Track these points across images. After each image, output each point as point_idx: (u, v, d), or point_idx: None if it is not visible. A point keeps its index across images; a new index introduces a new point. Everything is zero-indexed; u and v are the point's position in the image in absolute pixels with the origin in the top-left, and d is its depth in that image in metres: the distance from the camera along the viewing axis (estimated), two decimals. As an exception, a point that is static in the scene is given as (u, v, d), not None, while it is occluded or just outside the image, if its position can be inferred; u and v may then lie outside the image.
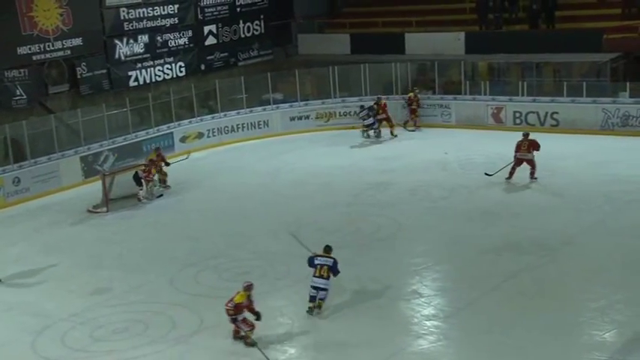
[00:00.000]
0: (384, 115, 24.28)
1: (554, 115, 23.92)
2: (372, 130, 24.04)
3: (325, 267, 12.10)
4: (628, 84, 23.53)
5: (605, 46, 24.88)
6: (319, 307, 12.05)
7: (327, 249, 12.42)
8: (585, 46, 25.00)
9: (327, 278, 12.08)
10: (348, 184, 19.35)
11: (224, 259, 14.69)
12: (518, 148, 18.43)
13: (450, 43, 27.77)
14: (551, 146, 19.81)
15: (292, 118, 25.77)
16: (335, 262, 12.14)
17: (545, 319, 11.17)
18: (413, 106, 24.88)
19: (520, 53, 26.26)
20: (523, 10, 27.61)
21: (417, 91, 25.04)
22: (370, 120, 24.01)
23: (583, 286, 12.37)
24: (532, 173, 18.31)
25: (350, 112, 25.97)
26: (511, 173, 18.39)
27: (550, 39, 26.17)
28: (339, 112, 26.27)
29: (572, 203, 16.55)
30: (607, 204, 16.28)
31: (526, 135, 18.80)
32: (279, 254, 14.65)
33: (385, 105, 24.47)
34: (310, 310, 12.03)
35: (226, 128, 25.03)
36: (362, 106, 24.57)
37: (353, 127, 25.54)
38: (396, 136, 23.98)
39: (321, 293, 12.05)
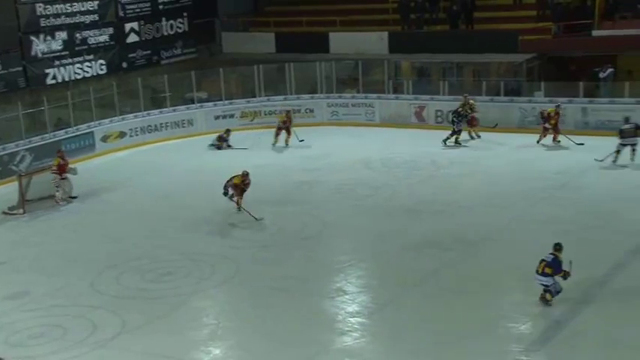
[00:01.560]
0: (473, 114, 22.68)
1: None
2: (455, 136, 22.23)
3: (544, 263, 11.60)
4: (543, 84, 24.31)
5: (521, 47, 25.66)
6: (546, 299, 11.49)
7: (556, 246, 11.80)
8: (502, 46, 25.74)
9: (546, 275, 11.49)
10: (273, 183, 19.34)
11: (147, 260, 14.48)
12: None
13: (374, 42, 28.13)
14: (472, 143, 20.35)
15: (217, 117, 25.58)
16: (555, 260, 11.47)
17: (466, 313, 11.46)
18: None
19: (441, 53, 26.83)
20: (443, 10, 28.21)
21: (467, 96, 23.08)
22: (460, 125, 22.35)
23: (501, 281, 12.72)
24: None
25: (275, 111, 25.96)
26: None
27: (469, 39, 26.83)
28: (264, 112, 26.24)
29: (491, 200, 16.98)
30: (523, 200, 16.77)
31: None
32: (205, 254, 14.55)
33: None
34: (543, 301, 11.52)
35: (149, 127, 24.65)
36: (455, 112, 22.61)
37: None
38: (479, 136, 22.81)
39: (545, 287, 11.53)
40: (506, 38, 25.87)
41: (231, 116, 25.78)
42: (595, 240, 14.13)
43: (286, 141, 22.99)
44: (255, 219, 16.14)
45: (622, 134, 19.18)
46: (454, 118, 22.39)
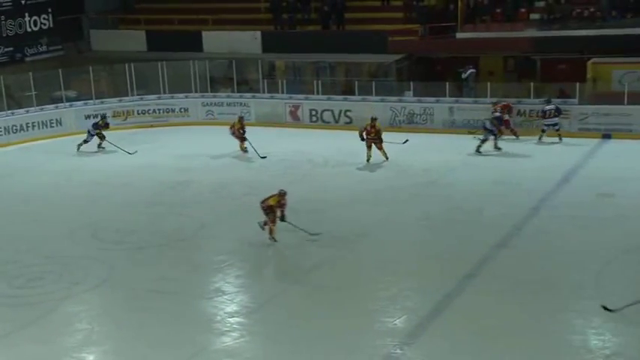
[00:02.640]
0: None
1: (348, 113, 24.99)
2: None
3: None
4: (412, 84, 25.15)
5: (390, 48, 26.43)
6: None
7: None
8: (373, 47, 26.41)
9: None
10: (147, 183, 18.97)
11: (13, 266, 13.81)
12: None
13: (248, 41, 28.14)
14: (346, 143, 20.73)
15: (87, 117, 24.71)
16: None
17: (343, 308, 11.69)
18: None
19: (314, 53, 27.20)
20: (315, 11, 28.61)
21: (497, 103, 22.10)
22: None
23: (376, 276, 13.05)
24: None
25: (149, 110, 25.44)
26: None
27: (341, 40, 27.37)
28: (137, 111, 25.67)
29: (364, 198, 17.39)
30: (395, 197, 17.28)
31: None
32: (76, 258, 14.07)
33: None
34: None
35: (14, 127, 23.54)
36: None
37: (151, 126, 25.07)
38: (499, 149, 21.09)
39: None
40: (375, 39, 26.56)
41: (103, 116, 25.02)
42: (463, 235, 14.75)
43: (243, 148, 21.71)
44: (311, 234, 14.59)
45: (545, 115, 21.04)
46: (490, 123, 20.98)
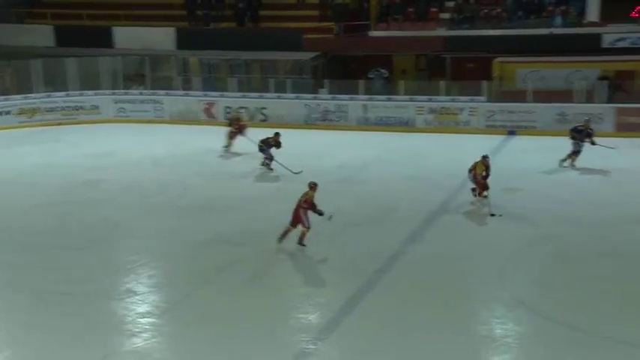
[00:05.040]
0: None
1: (263, 111, 25.01)
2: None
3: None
4: (326, 81, 25.38)
5: (305, 46, 26.59)
6: None
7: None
8: (288, 44, 26.53)
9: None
10: (55, 182, 18.46)
11: None
12: None
13: (161, 38, 27.77)
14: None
15: (-9, 114, 23.93)
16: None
17: (256, 306, 11.69)
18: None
19: (229, 50, 27.08)
20: (229, 7, 28.46)
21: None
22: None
23: (289, 273, 13.12)
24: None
25: (57, 107, 24.74)
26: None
27: (256, 37, 27.35)
28: (44, 108, 24.92)
29: (278, 194, 17.42)
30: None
31: None
32: (-21, 262, 13.56)
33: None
34: None
35: None
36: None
37: (60, 124, 24.41)
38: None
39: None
40: (291, 37, 26.68)
41: (7, 113, 24.21)
42: (375, 230, 14.99)
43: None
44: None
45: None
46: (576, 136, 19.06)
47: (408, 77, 26.52)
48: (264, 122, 24.45)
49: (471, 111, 23.20)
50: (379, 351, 10.14)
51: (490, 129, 22.81)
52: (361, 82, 24.94)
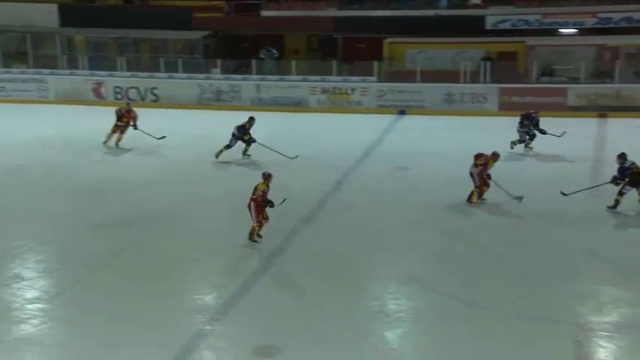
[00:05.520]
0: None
1: (154, 91, 24.54)
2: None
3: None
4: (219, 61, 25.15)
5: (196, 24, 26.24)
6: None
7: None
8: (178, 23, 26.09)
9: None
10: None
11: None
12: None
13: (43, 14, 26.72)
14: (153, 122, 20.25)
15: None
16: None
17: (151, 289, 11.53)
18: None
19: (117, 28, 26.35)
20: (117, -16, 27.72)
21: None
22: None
23: (185, 255, 13.00)
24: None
25: None
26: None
27: (144, 15, 26.80)
28: None
29: (172, 177, 17.24)
30: (202, 177, 17.30)
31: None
32: None
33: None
34: None
35: None
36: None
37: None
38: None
39: None
40: (180, 15, 26.27)
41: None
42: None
43: (118, 140, 19.47)
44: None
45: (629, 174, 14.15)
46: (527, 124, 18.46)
47: (300, 57, 26.63)
48: (156, 103, 23.99)
49: (362, 91, 23.59)
50: (274, 329, 10.25)
51: (381, 109, 23.28)
52: (254, 62, 24.86)
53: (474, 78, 23.41)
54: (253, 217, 12.99)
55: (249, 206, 13.00)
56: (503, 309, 10.66)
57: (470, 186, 14.91)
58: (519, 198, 14.70)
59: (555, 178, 16.30)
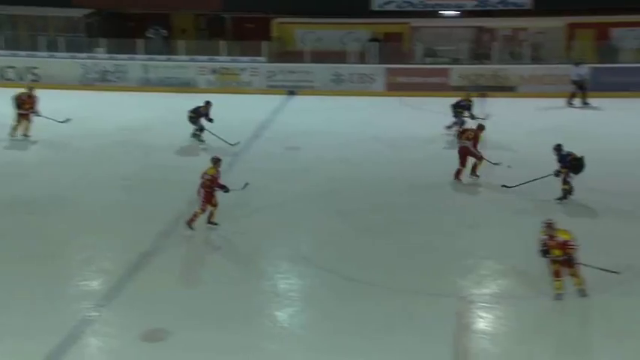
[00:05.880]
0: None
1: (34, 71, 23.60)
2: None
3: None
4: (103, 40, 24.41)
5: (75, 1, 25.32)
6: None
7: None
8: (57, 0, 25.06)
9: None
10: None
11: None
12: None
13: None
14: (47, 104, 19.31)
15: None
16: None
17: (36, 275, 11.13)
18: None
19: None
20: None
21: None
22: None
23: (71, 239, 12.68)
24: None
25: None
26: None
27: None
28: None
29: (58, 159, 16.71)
30: (89, 159, 16.86)
31: None
32: None
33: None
34: None
35: None
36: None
37: None
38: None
39: None
40: (60, -9, 25.28)
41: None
42: (158, 193, 14.84)
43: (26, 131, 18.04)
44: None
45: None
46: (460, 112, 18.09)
47: (187, 37, 26.21)
48: (36, 83, 23.02)
49: (252, 71, 23.52)
50: (163, 313, 10.16)
51: (271, 89, 23.28)
52: (140, 42, 24.28)
53: (362, 59, 23.77)
54: (199, 203, 12.64)
55: (198, 192, 12.67)
56: (391, 285, 10.97)
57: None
58: (497, 164, 14.96)
59: (437, 157, 16.81)
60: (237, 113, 20.71)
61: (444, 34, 24.68)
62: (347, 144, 17.96)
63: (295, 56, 23.96)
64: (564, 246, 10.05)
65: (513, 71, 22.71)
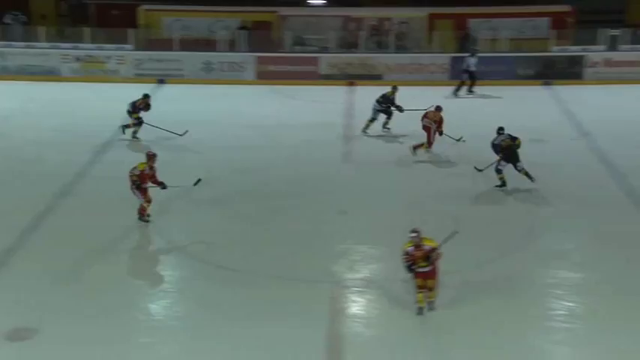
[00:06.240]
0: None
1: None
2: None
3: None
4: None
5: None
6: None
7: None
8: None
9: None
10: None
11: None
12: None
13: None
14: None
15: None
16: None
17: None
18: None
19: None
20: None
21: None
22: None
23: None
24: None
25: None
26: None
27: None
28: None
29: None
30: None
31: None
32: None
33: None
34: None
35: None
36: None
37: None
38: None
39: None
40: None
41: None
42: (23, 186, 14.26)
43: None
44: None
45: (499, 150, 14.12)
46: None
47: (48, 23, 25.12)
48: None
49: (118, 59, 22.87)
50: (28, 311, 9.88)
51: (140, 78, 22.69)
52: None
53: (232, 47, 23.64)
54: (140, 197, 12.34)
55: (132, 190, 12.29)
56: (265, 272, 11.08)
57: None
58: (461, 139, 16.01)
59: (309, 145, 17.04)
60: (105, 102, 20.12)
61: (313, 23, 24.93)
62: (220, 133, 17.87)
63: (164, 44, 23.50)
64: (431, 253, 9.64)
65: (379, 60, 23.30)
